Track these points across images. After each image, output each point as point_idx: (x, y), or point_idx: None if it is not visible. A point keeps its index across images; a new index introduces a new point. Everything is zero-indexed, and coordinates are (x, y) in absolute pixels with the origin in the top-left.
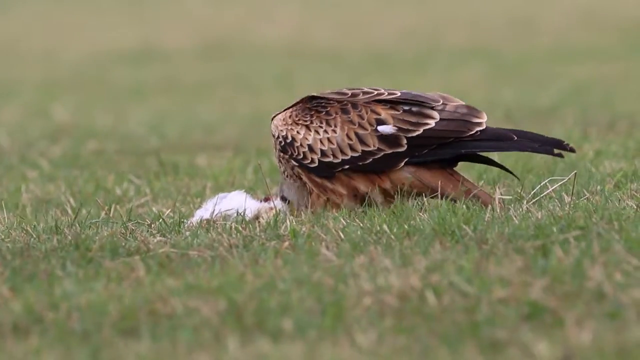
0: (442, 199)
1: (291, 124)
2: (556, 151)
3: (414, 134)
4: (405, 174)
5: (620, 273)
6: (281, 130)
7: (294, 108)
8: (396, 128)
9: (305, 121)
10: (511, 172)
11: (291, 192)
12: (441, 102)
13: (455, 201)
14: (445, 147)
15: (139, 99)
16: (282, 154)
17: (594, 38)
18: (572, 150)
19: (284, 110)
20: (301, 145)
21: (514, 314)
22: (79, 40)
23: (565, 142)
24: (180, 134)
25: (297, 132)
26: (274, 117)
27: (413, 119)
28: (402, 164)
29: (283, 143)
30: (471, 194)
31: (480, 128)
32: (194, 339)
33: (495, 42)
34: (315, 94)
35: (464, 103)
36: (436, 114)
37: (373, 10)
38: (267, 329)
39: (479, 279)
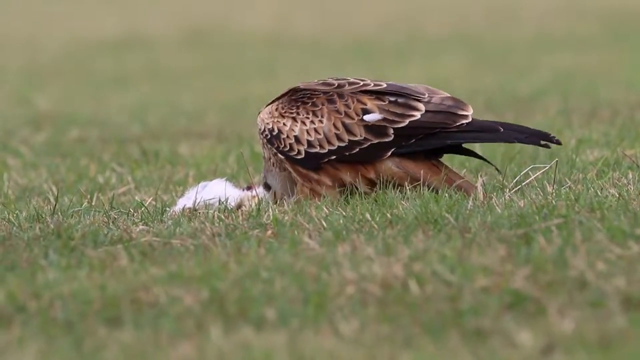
0: (425, 187)
1: (277, 117)
2: (542, 142)
3: (400, 125)
4: (390, 164)
5: (603, 262)
6: (267, 123)
7: (280, 101)
8: (382, 115)
9: (292, 113)
10: (493, 164)
11: (275, 180)
12: (427, 95)
13: (437, 191)
14: (432, 138)
15: (121, 87)
16: (269, 145)
17: (575, 26)
18: (558, 142)
19: (270, 104)
20: (287, 137)
21: (496, 303)
22: (61, 29)
23: (552, 135)
24: (163, 122)
25: (284, 124)
26: (261, 111)
27: (399, 110)
28: (389, 153)
29: (269, 136)
30: (454, 184)
31: (466, 120)
32: (176, 328)
33: (477, 30)
34: (300, 85)
35: (449, 95)
36: (422, 106)
37: None
38: (249, 318)
39: (461, 267)
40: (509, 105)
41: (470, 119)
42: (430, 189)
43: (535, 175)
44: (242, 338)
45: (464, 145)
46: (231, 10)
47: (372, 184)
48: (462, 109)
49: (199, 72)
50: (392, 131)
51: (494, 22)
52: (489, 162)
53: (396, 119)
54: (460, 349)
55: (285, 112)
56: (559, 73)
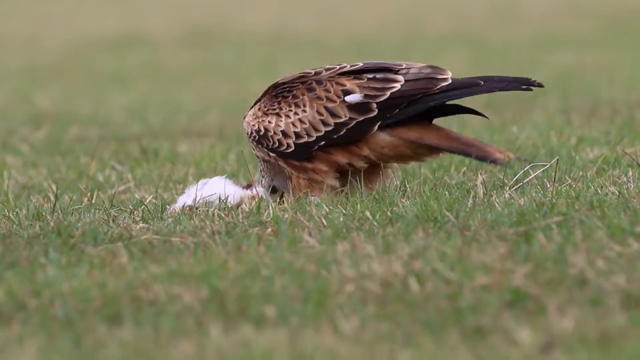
0: (431, 152)
1: (262, 116)
2: (524, 87)
3: (382, 99)
4: (382, 135)
5: (603, 260)
6: (253, 125)
7: (262, 101)
8: (363, 95)
9: (274, 110)
10: (482, 115)
11: (281, 180)
12: (404, 65)
13: (439, 152)
14: (415, 104)
15: (122, 85)
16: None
17: (575, 26)
18: (539, 85)
19: (252, 107)
20: (274, 133)
21: (496, 301)
22: (61, 27)
23: (533, 79)
24: (163, 121)
25: (269, 122)
26: (246, 116)
27: (378, 85)
28: (376, 127)
29: (257, 137)
30: (460, 142)
31: (446, 83)
32: (176, 326)
33: (478, 29)
34: (279, 81)
35: (427, 64)
36: (400, 77)
37: None
38: (249, 316)
39: (461, 265)
40: (509, 104)
41: (450, 81)
42: (429, 152)
43: (536, 174)
44: (242, 336)
45: (450, 103)
46: (232, 9)
47: (368, 160)
48: (441, 74)
49: (199, 70)
50: (375, 106)
51: (494, 22)
52: (479, 113)
53: (377, 93)
54: (460, 346)
55: (268, 110)
56: (559, 72)
